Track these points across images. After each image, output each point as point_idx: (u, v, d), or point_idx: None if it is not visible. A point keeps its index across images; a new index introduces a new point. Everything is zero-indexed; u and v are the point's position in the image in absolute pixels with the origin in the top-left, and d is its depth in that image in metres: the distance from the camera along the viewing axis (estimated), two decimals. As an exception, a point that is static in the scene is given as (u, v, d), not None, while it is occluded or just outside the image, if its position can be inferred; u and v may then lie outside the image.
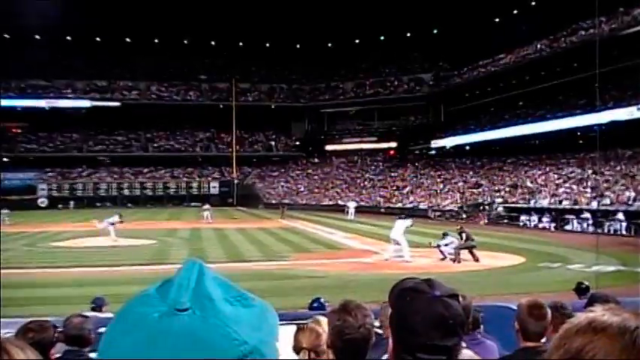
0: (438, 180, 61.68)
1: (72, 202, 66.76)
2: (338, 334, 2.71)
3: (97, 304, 9.27)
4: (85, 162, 75.04)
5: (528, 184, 48.15)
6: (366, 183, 70.88)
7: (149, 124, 78.14)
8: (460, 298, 1.75)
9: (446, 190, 57.32)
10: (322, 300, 8.10)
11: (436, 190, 58.13)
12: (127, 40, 76.19)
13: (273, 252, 26.40)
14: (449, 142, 65.91)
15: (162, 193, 74.33)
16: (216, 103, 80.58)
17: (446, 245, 22.54)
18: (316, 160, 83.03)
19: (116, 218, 31.67)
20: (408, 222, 23.21)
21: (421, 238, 27.05)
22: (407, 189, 62.73)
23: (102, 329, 4.91)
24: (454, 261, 21.88)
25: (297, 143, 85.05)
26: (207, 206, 48.83)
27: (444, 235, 23.51)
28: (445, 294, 1.73)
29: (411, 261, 22.11)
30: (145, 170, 76.06)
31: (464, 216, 45.61)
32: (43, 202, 68.13)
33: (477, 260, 21.87)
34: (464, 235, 22.78)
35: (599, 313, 0.89)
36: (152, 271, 19.33)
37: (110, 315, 8.25)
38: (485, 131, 59.99)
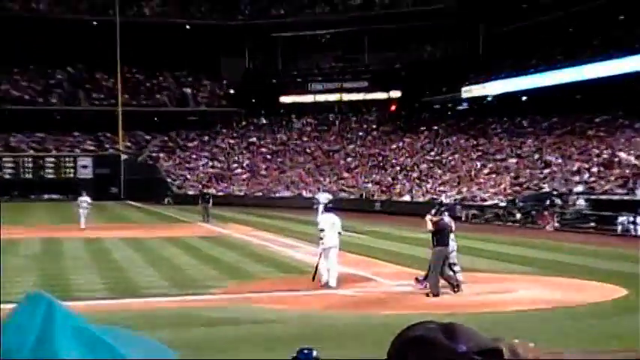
0: (474, 154, 53.25)
1: None
2: None
3: None
4: None
5: (632, 160, 41.87)
6: (349, 161, 60.45)
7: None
8: (507, 354, 1.46)
9: (486, 171, 49.28)
10: (314, 353, 3.53)
11: (470, 172, 49.96)
12: None
13: (192, 279, 22.88)
14: (492, 89, 56.95)
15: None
16: (88, 18, 66.64)
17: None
18: (264, 120, 70.17)
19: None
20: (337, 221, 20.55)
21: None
22: (419, 170, 54.08)
23: None
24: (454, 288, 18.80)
25: (232, 92, 71.83)
26: (85, 198, 41.29)
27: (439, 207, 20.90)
28: (477, 348, 1.39)
29: (333, 286, 19.89)
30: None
31: (517, 216, 39.82)
32: None
33: (456, 288, 18.98)
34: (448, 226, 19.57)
35: None
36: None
37: None
38: (554, 70, 51.32)
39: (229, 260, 27.78)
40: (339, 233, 20.31)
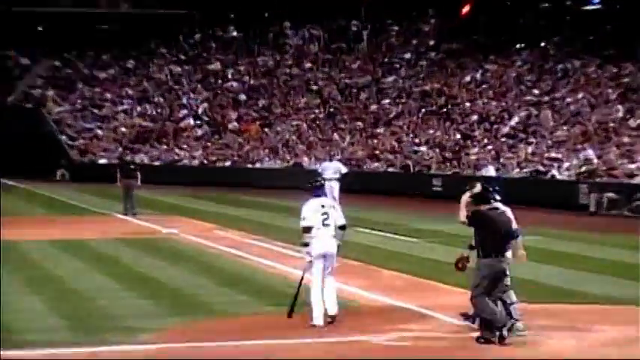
0: (612, 92, 40.70)
1: None
2: None
3: None
4: None
5: None
6: (385, 104, 47.46)
7: None
8: None
9: (635, 123, 37.56)
10: None
11: (606, 125, 38.72)
12: None
13: (107, 316, 17.03)
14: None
15: None
16: None
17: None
18: (234, 32, 54.89)
19: None
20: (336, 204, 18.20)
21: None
22: (514, 120, 42.47)
23: None
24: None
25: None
26: None
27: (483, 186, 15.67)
28: None
29: (334, 313, 16.19)
30: None
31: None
32: None
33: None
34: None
35: None
36: None
37: None
38: None
39: (173, 282, 22.28)
40: (343, 228, 15.07)
